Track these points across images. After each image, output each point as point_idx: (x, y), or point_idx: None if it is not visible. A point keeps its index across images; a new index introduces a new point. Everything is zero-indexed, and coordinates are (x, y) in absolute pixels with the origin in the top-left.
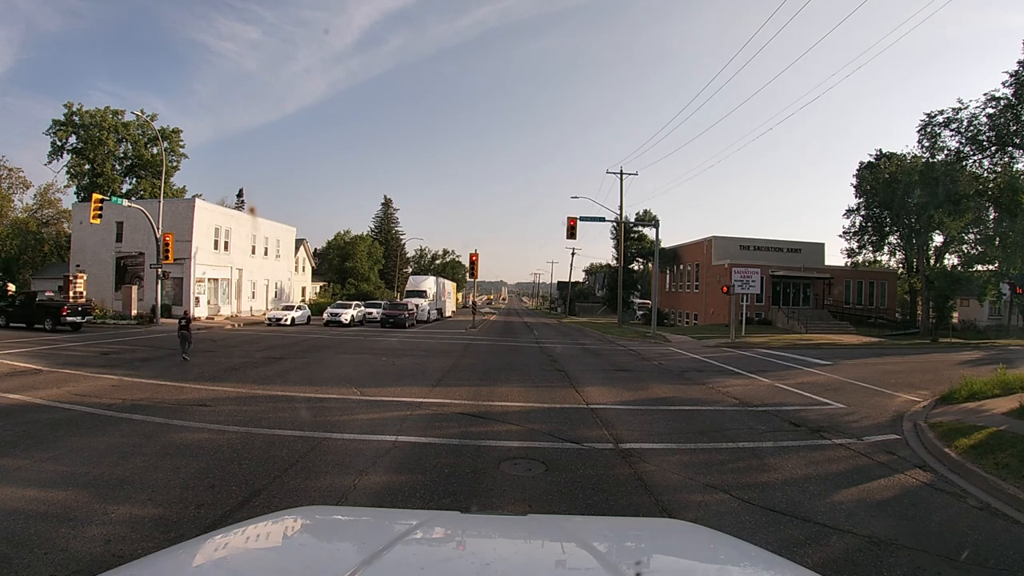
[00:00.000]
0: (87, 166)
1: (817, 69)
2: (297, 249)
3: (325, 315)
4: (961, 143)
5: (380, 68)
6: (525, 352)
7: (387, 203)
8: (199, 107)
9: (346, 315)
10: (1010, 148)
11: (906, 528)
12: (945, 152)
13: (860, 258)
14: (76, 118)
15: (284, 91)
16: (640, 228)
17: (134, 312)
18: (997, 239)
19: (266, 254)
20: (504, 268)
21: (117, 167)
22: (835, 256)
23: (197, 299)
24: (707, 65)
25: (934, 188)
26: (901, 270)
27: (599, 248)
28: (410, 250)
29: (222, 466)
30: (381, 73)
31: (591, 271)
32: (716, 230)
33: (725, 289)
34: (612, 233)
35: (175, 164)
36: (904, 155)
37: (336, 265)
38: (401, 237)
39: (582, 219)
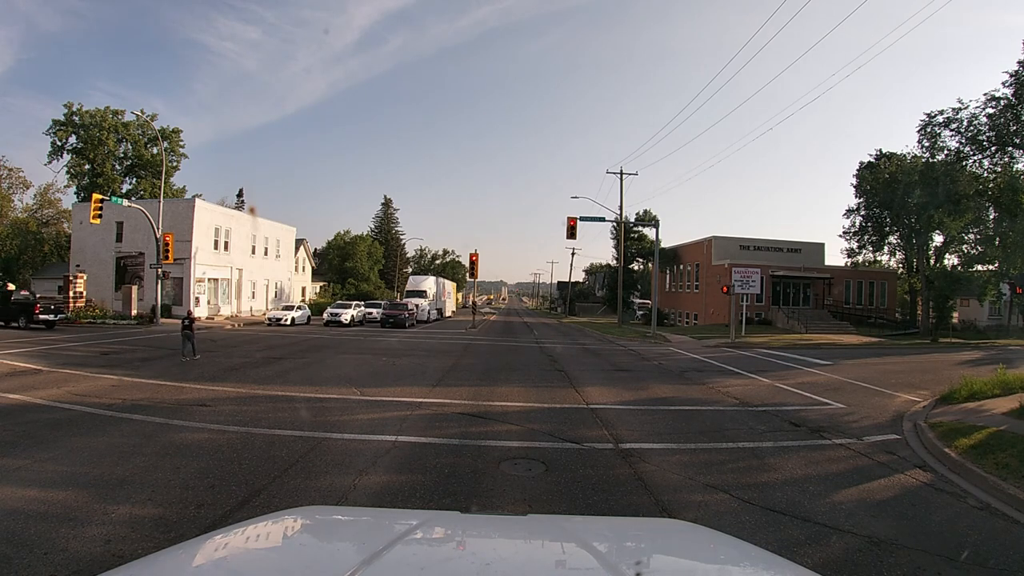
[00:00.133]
0: (87, 166)
1: (817, 69)
2: (297, 249)
3: (325, 315)
4: (961, 143)
5: (380, 68)
6: (525, 352)
7: (387, 203)
8: (199, 107)
9: (346, 315)
10: (1010, 148)
11: (906, 528)
12: (945, 152)
13: (860, 258)
14: (76, 118)
15: (284, 91)
16: (640, 228)
17: (134, 312)
18: (997, 239)
19: (266, 254)
20: (504, 268)
21: (117, 167)
22: (835, 256)
23: (197, 299)
24: (707, 65)
25: (934, 188)
26: (901, 270)
27: (599, 248)
28: (410, 250)
29: (222, 466)
30: (381, 73)
31: (591, 271)
32: (716, 230)
33: (725, 289)
34: (612, 233)
35: (175, 164)
36: (904, 155)
37: (336, 265)
38: (401, 237)
39: (582, 219)
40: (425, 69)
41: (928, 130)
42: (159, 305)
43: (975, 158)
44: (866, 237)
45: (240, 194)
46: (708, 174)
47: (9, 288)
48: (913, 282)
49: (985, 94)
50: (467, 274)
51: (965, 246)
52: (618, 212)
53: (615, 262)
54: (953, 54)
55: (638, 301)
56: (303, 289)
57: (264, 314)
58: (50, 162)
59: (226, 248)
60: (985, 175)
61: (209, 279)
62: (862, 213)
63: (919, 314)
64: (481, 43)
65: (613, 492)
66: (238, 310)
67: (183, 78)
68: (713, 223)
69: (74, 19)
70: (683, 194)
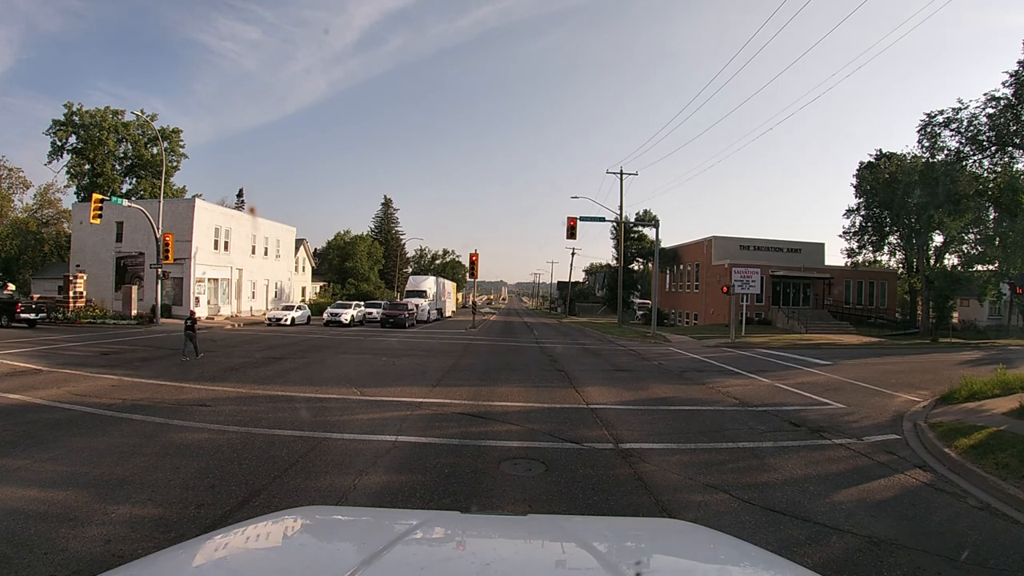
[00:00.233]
0: (87, 166)
1: (817, 69)
2: (297, 249)
3: (325, 315)
4: (961, 143)
5: (380, 68)
6: (525, 352)
7: (387, 203)
8: (199, 107)
9: (346, 315)
10: (1010, 148)
11: (906, 528)
12: (945, 152)
13: (860, 258)
14: (76, 118)
15: (284, 91)
16: (640, 228)
17: (134, 312)
18: (997, 239)
19: (266, 254)
20: (504, 268)
21: (117, 167)
22: (835, 256)
23: (197, 299)
24: (707, 65)
25: (934, 188)
26: (901, 270)
27: (599, 248)
28: (410, 250)
29: (222, 466)
30: (381, 73)
31: (591, 271)
32: (716, 230)
33: (725, 289)
34: (612, 233)
35: (175, 164)
36: (904, 155)
37: (336, 265)
38: (401, 237)
39: (582, 219)
40: (425, 69)
41: (928, 130)
42: (159, 305)
43: (975, 158)
44: (866, 237)
45: (240, 194)
46: (708, 174)
47: (9, 288)
48: (913, 282)
49: (985, 94)
50: (467, 274)
51: (965, 246)
52: (618, 212)
53: (615, 262)
54: (953, 54)
55: (638, 301)
56: (303, 289)
57: (264, 314)
58: (50, 162)
59: (226, 248)
60: (985, 175)
61: (209, 279)
62: (862, 213)
63: (919, 314)
64: (481, 43)
65: (613, 492)
66: (238, 310)
67: (183, 78)
68: (713, 223)
69: (74, 19)
70: (683, 194)
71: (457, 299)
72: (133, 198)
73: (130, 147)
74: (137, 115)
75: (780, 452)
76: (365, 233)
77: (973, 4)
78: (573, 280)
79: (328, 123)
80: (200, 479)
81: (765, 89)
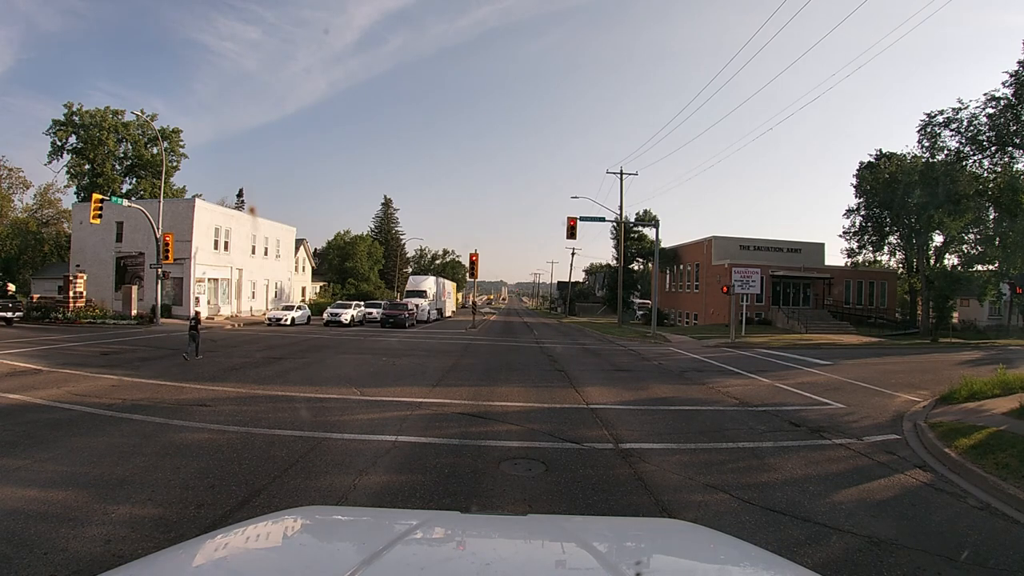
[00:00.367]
0: (87, 166)
1: (817, 69)
2: (297, 249)
3: (325, 315)
4: (961, 143)
5: (380, 68)
6: (525, 352)
7: (387, 203)
8: (199, 107)
9: (346, 315)
10: (1010, 148)
11: (906, 528)
12: (945, 152)
13: (860, 258)
14: (76, 118)
15: (284, 91)
16: (640, 228)
17: (134, 312)
18: (997, 239)
19: (266, 254)
20: (504, 268)
21: (117, 167)
22: (835, 256)
23: (197, 299)
24: (707, 65)
25: (934, 188)
26: (901, 270)
27: (599, 248)
28: (410, 250)
29: (222, 466)
30: (381, 73)
31: (591, 271)
32: (716, 230)
33: (725, 289)
34: (612, 233)
35: (175, 164)
36: (904, 155)
37: (336, 265)
38: (401, 237)
39: (582, 219)
40: (425, 69)
41: (928, 130)
42: (159, 305)
43: (975, 158)
44: (866, 237)
45: (240, 194)
46: (708, 174)
47: (9, 288)
48: (913, 282)
49: (985, 94)
50: (467, 274)
51: (965, 246)
52: (618, 212)
53: (615, 262)
54: (953, 54)
55: (638, 301)
56: (303, 289)
57: (264, 314)
58: (50, 162)
59: (226, 248)
60: (985, 175)
61: (209, 279)
62: (862, 213)
63: (919, 314)
64: (481, 43)
65: (613, 492)
66: (238, 310)
67: (183, 78)
68: (713, 223)
69: (74, 19)
70: (683, 194)
71: (457, 299)
72: (133, 198)
73: (130, 147)
74: (137, 115)
75: (780, 452)
76: (365, 233)
77: (973, 4)
78: (573, 280)
79: (328, 123)
80: (200, 479)
81: (765, 89)
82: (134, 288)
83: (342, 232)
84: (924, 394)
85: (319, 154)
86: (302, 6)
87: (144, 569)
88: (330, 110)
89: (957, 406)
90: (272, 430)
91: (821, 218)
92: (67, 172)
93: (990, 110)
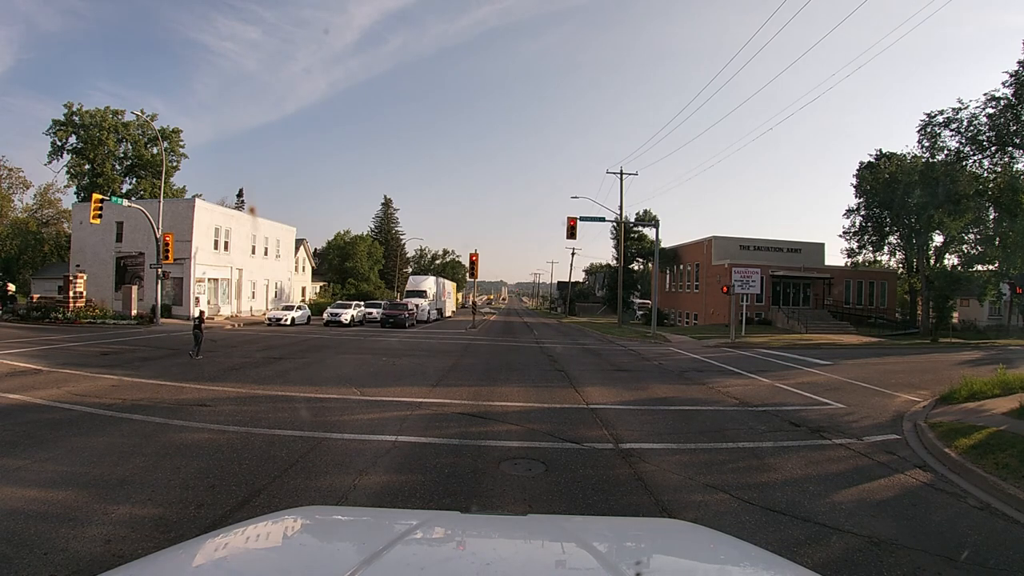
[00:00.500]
0: (87, 166)
1: (817, 69)
2: (297, 249)
3: (325, 315)
4: (961, 143)
5: (380, 68)
6: (525, 352)
7: (387, 203)
8: (199, 107)
9: (346, 315)
10: (1010, 148)
11: (906, 528)
12: (945, 152)
13: (860, 258)
14: (76, 118)
15: (284, 91)
16: (640, 228)
17: (134, 312)
18: (997, 239)
19: (266, 254)
20: (504, 268)
21: (117, 167)
22: (835, 256)
23: (197, 299)
24: (707, 65)
25: (934, 188)
26: (901, 270)
27: (599, 248)
28: (410, 250)
29: (222, 466)
30: (381, 73)
31: (591, 271)
32: (716, 230)
33: (725, 289)
34: (612, 233)
35: (175, 164)
36: (904, 155)
37: (336, 265)
38: (401, 237)
39: (582, 219)
40: (425, 69)
41: (928, 130)
42: (159, 305)
43: (975, 158)
44: (866, 237)
45: (240, 194)
46: (708, 174)
47: (9, 288)
48: (913, 282)
49: (985, 94)
50: (467, 274)
51: (965, 246)
52: (618, 212)
53: (615, 262)
54: (953, 54)
55: (638, 301)
56: (303, 289)
57: (264, 314)
58: (50, 162)
59: (226, 248)
60: (985, 175)
61: (209, 279)
62: (862, 213)
63: (919, 314)
64: (481, 43)
65: (613, 492)
66: (238, 310)
67: (183, 78)
68: (713, 223)
69: (74, 19)
70: (683, 194)
71: (457, 299)
72: (133, 198)
73: (130, 147)
74: (137, 115)
75: (780, 452)
76: (365, 233)
77: (973, 4)
78: (573, 280)
79: (328, 123)
80: (200, 479)
81: (765, 89)
82: (134, 288)
83: (342, 232)
84: (924, 394)
85: (319, 154)
86: (302, 6)
87: (144, 569)
88: (330, 110)
89: (957, 406)
90: (272, 430)
91: (821, 218)
92: (67, 172)
93: (990, 110)
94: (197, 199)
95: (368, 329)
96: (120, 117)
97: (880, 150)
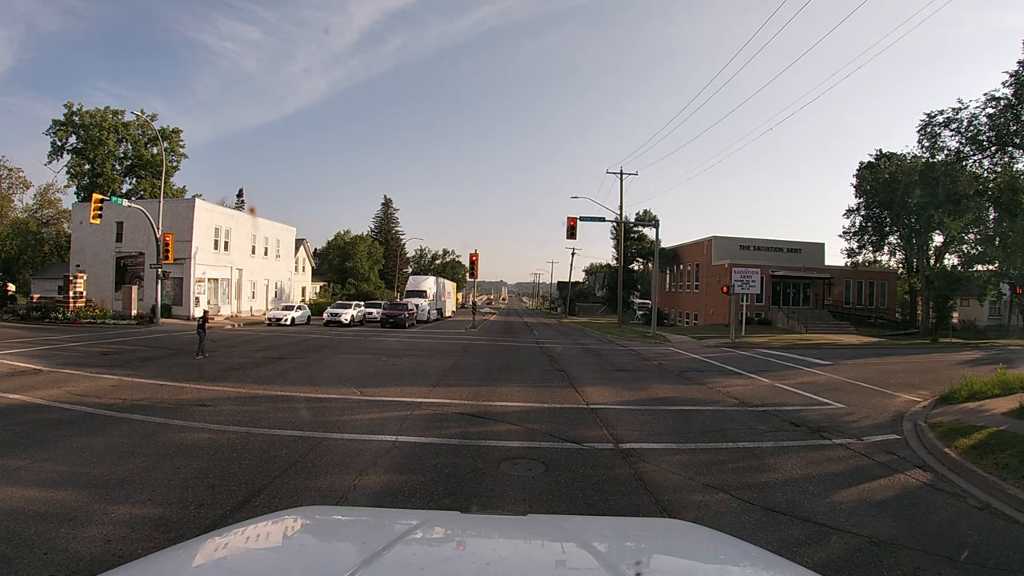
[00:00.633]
0: (87, 166)
1: (817, 69)
2: (297, 249)
3: (325, 315)
4: (961, 143)
5: (380, 68)
6: (525, 352)
7: (387, 203)
8: (199, 107)
9: (346, 315)
10: (1010, 148)
11: (906, 528)
12: (945, 152)
13: (860, 258)
14: (76, 118)
15: (284, 91)
16: (640, 228)
17: (134, 312)
18: (997, 239)
19: (266, 254)
20: (504, 268)
21: (117, 167)
22: (835, 256)
23: (197, 299)
24: (707, 65)
25: (934, 188)
26: (901, 270)
27: (599, 248)
28: (410, 250)
29: (222, 466)
30: (381, 73)
31: (591, 271)
32: (716, 230)
33: (725, 289)
34: (612, 233)
35: (175, 164)
36: (904, 155)
37: (336, 265)
38: (401, 237)
39: (582, 219)
40: (425, 69)
41: (928, 130)
42: (159, 305)
43: (975, 158)
44: (866, 237)
45: (240, 194)
46: (708, 174)
47: (9, 288)
48: (913, 282)
49: (985, 94)
50: (467, 274)
51: (965, 246)
52: (618, 212)
53: (615, 262)
54: (953, 54)
55: (638, 301)
56: (303, 289)
57: (264, 314)
58: (50, 162)
59: (226, 248)
60: (985, 175)
61: (209, 279)
62: (862, 213)
63: (919, 314)
64: (481, 43)
65: (613, 492)
66: (238, 310)
67: (183, 78)
68: (713, 223)
69: (74, 19)
70: (683, 194)
71: (457, 299)
72: (133, 198)
73: (130, 147)
74: (137, 115)
75: (780, 452)
76: (365, 233)
77: (973, 4)
78: (573, 280)
79: (328, 123)
80: (200, 479)
81: (765, 89)
82: (134, 288)
83: (342, 232)
84: (924, 394)
85: (319, 154)
86: (302, 6)
87: (144, 569)
88: (330, 110)
89: (957, 406)
90: (272, 430)
91: (821, 218)
92: (67, 172)
93: (990, 110)
94: (197, 199)
95: (368, 329)
96: (120, 117)
97: (880, 150)
